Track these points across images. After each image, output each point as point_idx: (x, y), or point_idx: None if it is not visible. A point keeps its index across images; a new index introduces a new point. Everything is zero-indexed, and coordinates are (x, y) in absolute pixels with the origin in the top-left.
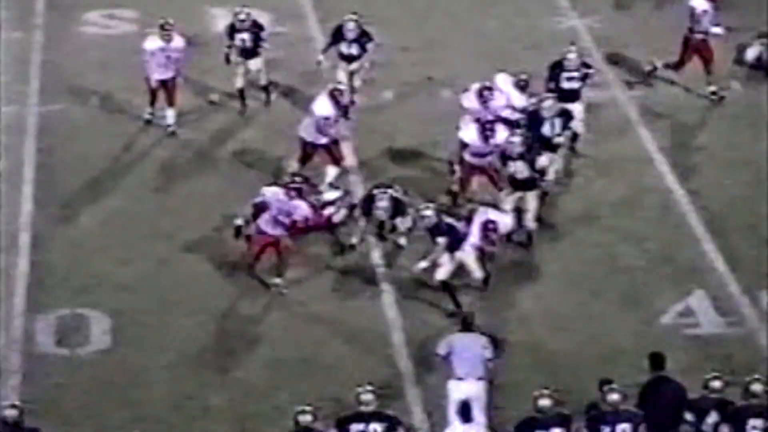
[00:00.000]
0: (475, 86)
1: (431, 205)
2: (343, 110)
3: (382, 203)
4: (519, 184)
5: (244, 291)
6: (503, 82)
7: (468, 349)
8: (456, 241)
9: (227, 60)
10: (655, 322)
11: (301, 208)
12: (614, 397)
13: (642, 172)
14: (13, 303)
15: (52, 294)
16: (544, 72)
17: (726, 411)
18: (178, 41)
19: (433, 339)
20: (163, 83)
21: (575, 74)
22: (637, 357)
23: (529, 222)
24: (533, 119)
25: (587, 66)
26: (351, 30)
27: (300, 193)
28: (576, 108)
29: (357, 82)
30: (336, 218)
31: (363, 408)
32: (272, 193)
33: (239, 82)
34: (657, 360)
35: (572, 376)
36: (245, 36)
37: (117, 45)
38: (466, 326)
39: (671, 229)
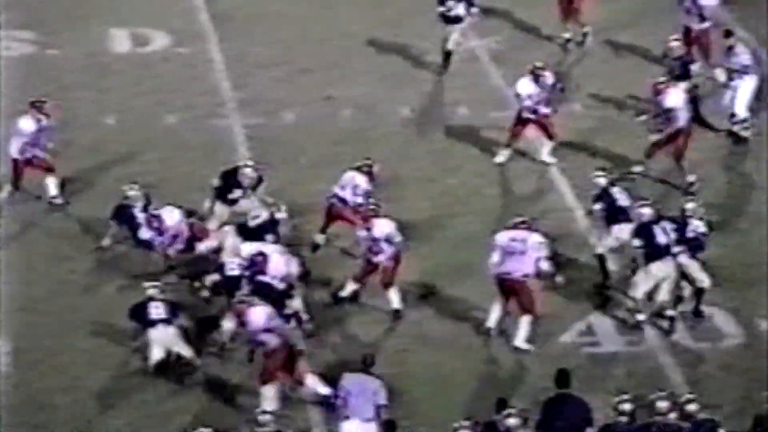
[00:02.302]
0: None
1: None
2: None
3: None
4: None
5: None
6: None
7: (360, 391)
8: None
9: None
10: (555, 340)
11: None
12: (512, 421)
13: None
14: None
15: None
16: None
17: None
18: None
19: None
20: (30, 161)
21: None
22: (537, 377)
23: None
24: None
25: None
26: (247, 176)
27: None
28: None
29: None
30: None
31: None
32: None
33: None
34: (562, 377)
35: (471, 397)
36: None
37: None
38: (364, 368)
39: (572, 248)
